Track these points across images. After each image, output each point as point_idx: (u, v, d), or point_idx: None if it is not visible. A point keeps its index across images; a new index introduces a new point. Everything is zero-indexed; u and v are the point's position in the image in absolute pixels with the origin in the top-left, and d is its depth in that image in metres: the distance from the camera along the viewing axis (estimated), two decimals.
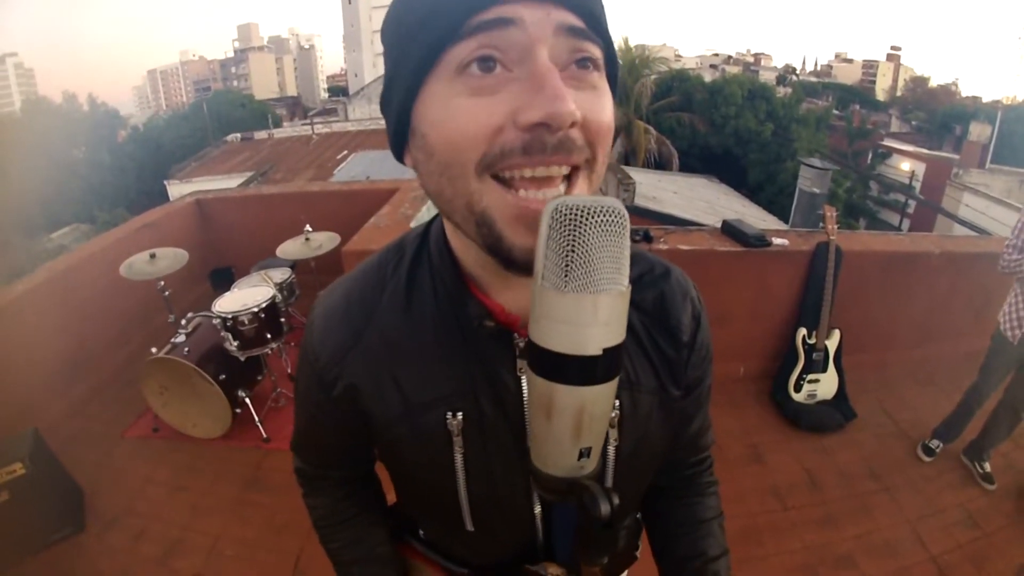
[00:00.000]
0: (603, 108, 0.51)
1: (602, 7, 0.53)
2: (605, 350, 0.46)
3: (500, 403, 0.57)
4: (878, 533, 2.38)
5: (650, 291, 0.70)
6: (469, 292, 0.61)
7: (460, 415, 0.63)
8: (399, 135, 0.56)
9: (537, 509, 0.69)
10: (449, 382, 0.63)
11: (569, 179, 0.51)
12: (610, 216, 0.44)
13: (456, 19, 0.47)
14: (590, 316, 0.44)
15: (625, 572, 0.91)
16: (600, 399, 0.48)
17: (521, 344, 0.62)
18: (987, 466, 2.64)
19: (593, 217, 0.43)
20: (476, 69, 0.48)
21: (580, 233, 0.43)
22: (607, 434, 0.64)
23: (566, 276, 0.44)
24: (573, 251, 0.43)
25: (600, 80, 0.52)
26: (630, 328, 0.63)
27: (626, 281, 0.45)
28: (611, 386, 0.48)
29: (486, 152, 0.48)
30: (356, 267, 0.70)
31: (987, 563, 2.25)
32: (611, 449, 0.67)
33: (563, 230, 0.43)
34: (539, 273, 0.45)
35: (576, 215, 0.43)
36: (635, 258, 0.68)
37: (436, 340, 0.63)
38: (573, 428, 0.49)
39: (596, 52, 0.51)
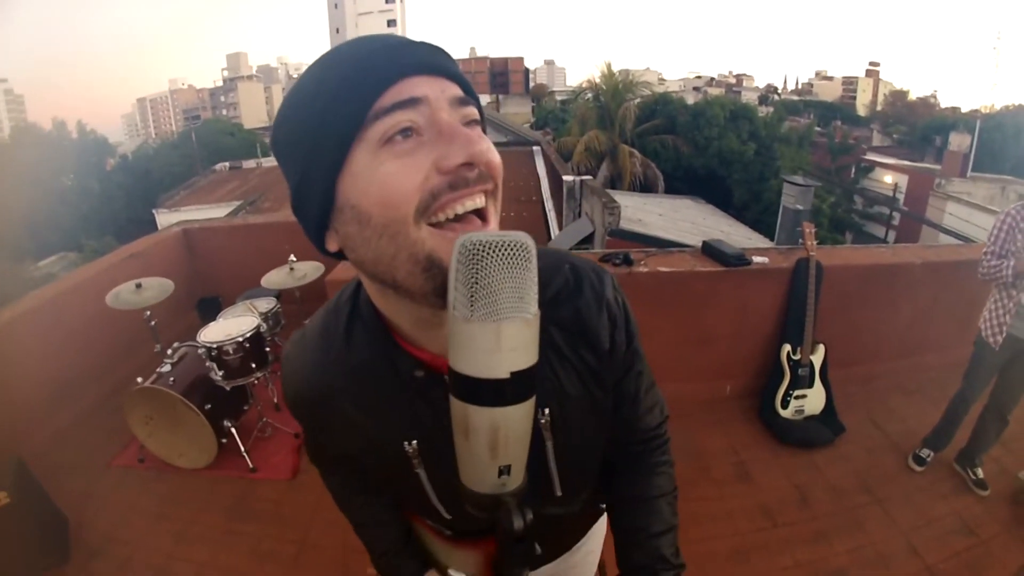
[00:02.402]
0: (492, 150, 0.60)
1: (462, 73, 0.64)
2: (513, 373, 0.50)
3: (446, 432, 0.61)
4: (871, 547, 2.37)
5: (567, 307, 0.75)
6: (398, 347, 0.70)
7: (415, 443, 0.72)
8: (320, 224, 0.62)
9: None
10: (399, 420, 0.72)
11: (483, 212, 0.59)
12: (512, 250, 0.48)
13: (371, 98, 0.55)
14: (494, 343, 0.48)
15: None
16: (513, 419, 0.52)
17: None
18: (980, 472, 2.65)
19: (495, 251, 0.48)
20: (399, 138, 0.55)
21: (483, 266, 0.47)
22: (542, 435, 0.72)
23: (471, 306, 0.48)
24: (477, 283, 0.48)
25: (481, 131, 0.62)
26: (552, 344, 0.74)
27: (533, 309, 0.49)
28: (524, 407, 0.52)
29: (420, 199, 0.55)
30: (308, 325, 0.81)
31: (983, 570, 2.25)
32: (549, 446, 0.74)
33: (468, 264, 0.48)
34: (451, 304, 0.49)
35: (479, 250, 0.47)
36: (550, 274, 0.75)
37: (379, 388, 0.72)
38: (489, 447, 0.53)
39: (476, 113, 0.62)
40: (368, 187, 0.56)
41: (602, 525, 1.10)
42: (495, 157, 0.60)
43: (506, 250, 0.48)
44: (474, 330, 0.48)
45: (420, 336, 0.68)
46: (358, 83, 0.55)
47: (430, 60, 0.58)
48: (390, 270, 0.59)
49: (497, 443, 0.52)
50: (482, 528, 0.81)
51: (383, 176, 0.55)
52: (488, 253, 0.47)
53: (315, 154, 0.58)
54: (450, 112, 0.58)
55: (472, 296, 0.47)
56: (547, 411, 0.72)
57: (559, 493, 0.80)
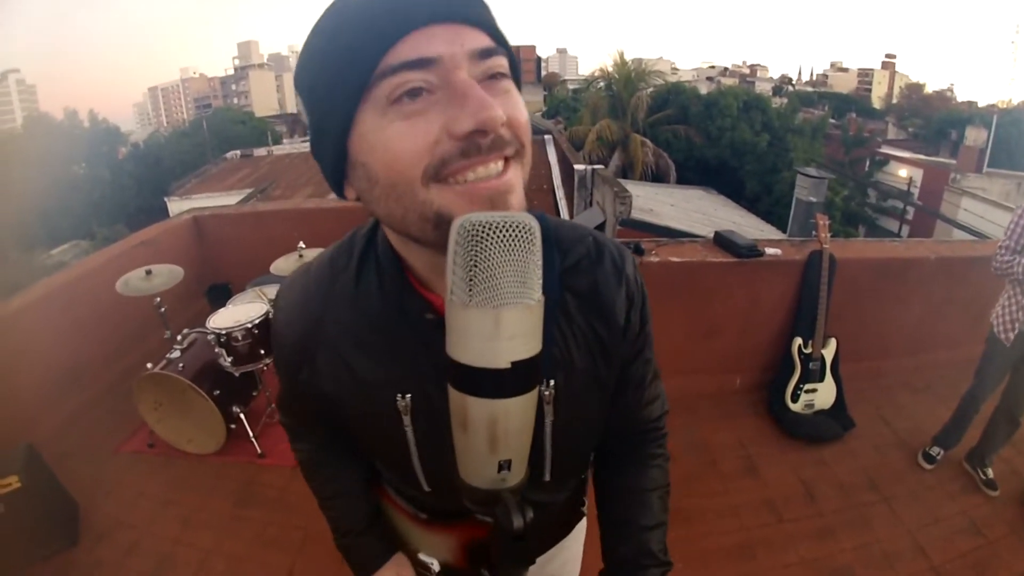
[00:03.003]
0: (518, 106, 0.56)
1: (494, 17, 0.58)
2: (514, 363, 0.47)
3: (444, 388, 0.59)
4: (877, 545, 2.36)
5: (585, 276, 0.73)
6: (412, 288, 0.66)
7: (408, 396, 0.68)
8: (337, 173, 0.60)
9: None
10: (397, 367, 0.68)
11: (504, 169, 0.55)
12: (514, 232, 0.45)
13: (375, 57, 0.51)
14: (493, 330, 0.45)
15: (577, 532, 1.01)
16: (513, 412, 0.49)
17: None
18: (989, 472, 2.62)
19: (496, 233, 0.45)
20: (406, 99, 0.51)
21: (482, 248, 0.44)
22: (542, 410, 0.68)
23: (470, 291, 0.45)
24: (475, 266, 0.45)
25: (509, 84, 0.57)
26: (565, 311, 0.71)
27: (536, 295, 0.46)
28: (526, 399, 0.49)
29: (428, 163, 0.51)
30: (313, 261, 0.76)
31: (990, 571, 2.22)
32: (548, 423, 0.71)
33: (467, 246, 0.45)
34: (448, 288, 0.46)
35: (479, 231, 0.44)
36: (571, 243, 0.73)
37: (383, 329, 0.68)
38: (488, 440, 0.50)
39: (503, 63, 0.56)
40: (374, 147, 0.53)
41: (582, 531, 1.05)
42: (519, 115, 0.55)
43: (508, 231, 0.45)
44: (472, 316, 0.45)
45: (434, 280, 0.65)
46: (364, 38, 0.51)
47: (448, 5, 0.52)
48: (402, 225, 0.57)
49: (496, 437, 0.50)
50: (461, 509, 0.78)
51: (389, 137, 0.52)
52: (489, 234, 0.44)
53: (326, 109, 0.56)
54: (470, 67, 0.53)
55: (471, 280, 0.45)
56: (552, 383, 0.69)
57: (548, 478, 0.77)
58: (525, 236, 0.46)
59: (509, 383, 0.48)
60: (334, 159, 0.58)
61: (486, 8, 0.56)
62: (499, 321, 0.45)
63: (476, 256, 0.45)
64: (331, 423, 0.86)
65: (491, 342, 0.46)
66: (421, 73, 0.51)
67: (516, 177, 0.56)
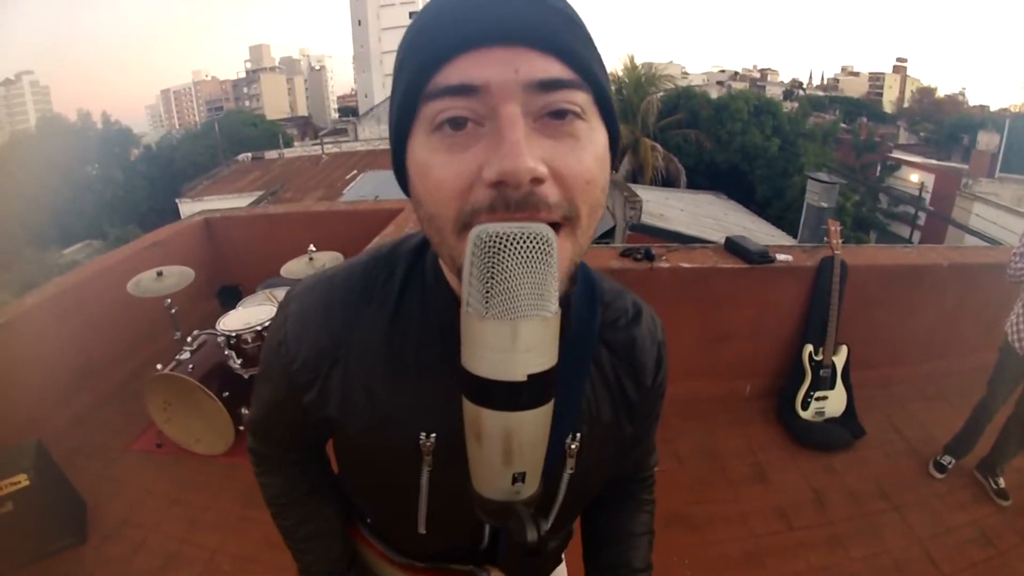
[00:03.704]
0: (579, 159, 0.49)
1: (584, 41, 0.50)
2: (530, 376, 0.45)
3: None
4: (887, 554, 2.33)
5: (623, 334, 0.72)
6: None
7: (433, 436, 0.63)
8: (400, 170, 0.57)
9: (489, 527, 0.74)
10: (425, 402, 0.63)
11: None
12: (532, 243, 0.44)
13: (425, 77, 0.47)
14: (510, 342, 0.44)
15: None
16: (528, 425, 0.48)
17: None
18: (1001, 482, 2.59)
19: (513, 244, 0.43)
20: (448, 128, 0.48)
21: (500, 260, 0.43)
22: (565, 462, 0.67)
23: (487, 303, 0.44)
24: (493, 278, 0.44)
25: (583, 128, 0.49)
26: (600, 366, 0.69)
27: (552, 307, 0.45)
28: (540, 412, 0.48)
29: (460, 210, 0.48)
30: (337, 270, 0.69)
31: None
32: (566, 474, 0.69)
33: (484, 257, 0.44)
34: (464, 299, 0.45)
35: (496, 242, 0.43)
36: (613, 297, 0.72)
37: (417, 360, 0.63)
38: (503, 453, 0.49)
39: (577, 99, 0.48)
40: (419, 170, 0.51)
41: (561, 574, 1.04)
42: (575, 170, 0.48)
43: (526, 243, 0.43)
44: (488, 328, 0.44)
45: None
46: (423, 53, 0.48)
47: (511, 23, 0.45)
48: (438, 251, 0.55)
49: (511, 449, 0.49)
50: (446, 552, 0.78)
51: (430, 167, 0.49)
52: (506, 246, 0.43)
53: (391, 109, 0.54)
54: (526, 99, 0.46)
55: (487, 292, 0.44)
56: (579, 435, 0.67)
57: (548, 526, 0.73)
58: (543, 248, 0.44)
59: (525, 396, 0.46)
60: (398, 159, 0.56)
61: (566, 30, 0.48)
62: (516, 333, 0.44)
63: (494, 267, 0.43)
64: (315, 447, 0.82)
65: (507, 354, 0.45)
66: (464, 101, 0.46)
67: (559, 249, 0.46)
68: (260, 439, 0.83)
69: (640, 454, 0.87)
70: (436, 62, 0.47)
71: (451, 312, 0.59)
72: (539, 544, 0.50)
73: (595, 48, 0.52)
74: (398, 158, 0.55)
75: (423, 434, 0.63)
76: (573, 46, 0.48)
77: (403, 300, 0.64)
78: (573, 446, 0.67)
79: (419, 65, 0.48)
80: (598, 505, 0.90)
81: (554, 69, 0.47)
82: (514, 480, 0.51)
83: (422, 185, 0.51)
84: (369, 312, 0.64)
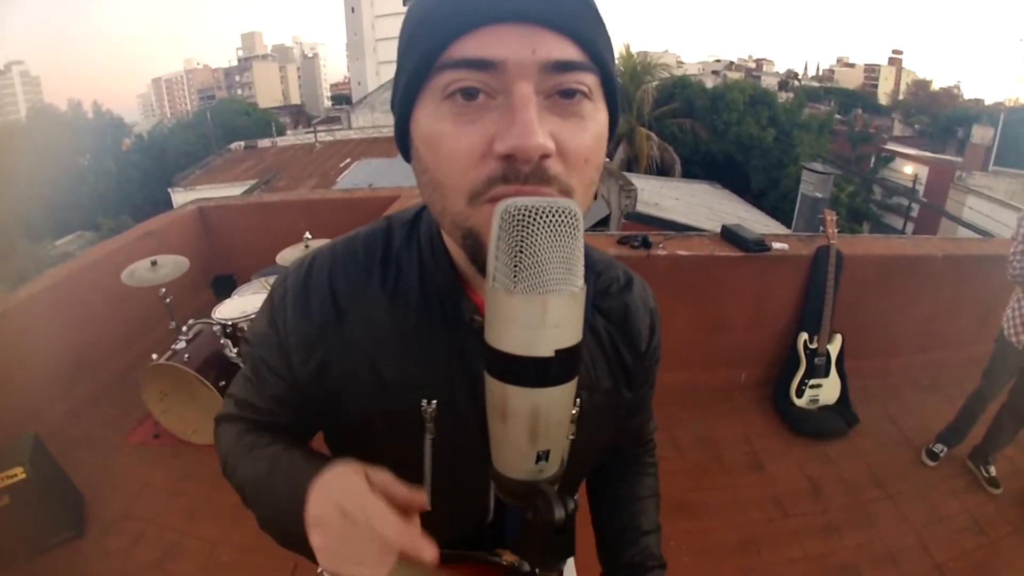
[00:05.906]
0: (583, 139, 0.51)
1: (596, 25, 0.51)
2: (558, 352, 0.45)
3: (474, 396, 0.57)
4: (881, 542, 2.36)
5: (616, 301, 0.74)
6: (462, 290, 0.63)
7: (435, 403, 0.63)
8: (403, 138, 0.57)
9: (493, 500, 0.73)
10: (427, 370, 0.64)
11: None
12: (560, 217, 0.44)
13: (440, 47, 0.48)
14: (539, 317, 0.44)
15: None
16: (555, 401, 0.48)
17: None
18: (992, 470, 2.62)
19: (542, 218, 0.43)
20: (460, 98, 0.49)
21: (529, 234, 0.43)
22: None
23: (515, 277, 0.43)
24: (522, 252, 0.43)
25: (589, 108, 0.51)
26: (596, 333, 0.71)
27: (579, 282, 0.45)
28: (566, 388, 0.48)
29: (474, 181, 0.49)
30: (335, 245, 0.69)
31: (993, 570, 2.23)
32: (567, 441, 0.68)
33: (512, 231, 0.43)
34: (491, 274, 0.45)
35: (525, 216, 0.43)
36: (604, 267, 0.75)
37: (418, 329, 0.64)
38: (529, 431, 0.48)
39: (587, 81, 0.50)
40: (425, 138, 0.52)
41: None
42: (579, 148, 0.50)
43: (555, 216, 0.43)
44: (517, 303, 0.44)
45: (477, 282, 0.63)
46: (434, 23, 0.49)
47: (529, 3, 0.47)
48: (438, 219, 0.56)
49: (537, 427, 0.48)
50: (457, 532, 0.74)
51: (438, 135, 0.50)
52: (535, 220, 0.43)
53: (397, 78, 0.54)
54: (540, 79, 0.48)
55: (516, 266, 0.43)
56: (579, 401, 0.67)
57: (574, 504, 0.75)
58: (570, 222, 0.44)
59: (553, 371, 0.46)
60: (401, 127, 0.56)
61: (581, 12, 0.50)
62: (545, 308, 0.44)
63: (523, 241, 0.43)
64: (305, 423, 0.73)
65: (536, 330, 0.44)
66: (479, 75, 0.47)
67: None
68: (243, 407, 0.73)
69: (639, 421, 0.89)
70: (454, 34, 0.47)
71: (449, 280, 0.63)
72: (566, 522, 0.50)
73: (606, 30, 0.53)
74: (401, 126, 0.56)
75: (424, 401, 0.64)
76: (587, 28, 0.49)
77: (400, 273, 0.65)
78: (573, 411, 0.66)
79: (436, 36, 0.48)
80: (603, 474, 0.92)
81: (569, 51, 0.48)
82: (538, 459, 0.50)
83: (431, 154, 0.51)
84: (371, 285, 0.65)
